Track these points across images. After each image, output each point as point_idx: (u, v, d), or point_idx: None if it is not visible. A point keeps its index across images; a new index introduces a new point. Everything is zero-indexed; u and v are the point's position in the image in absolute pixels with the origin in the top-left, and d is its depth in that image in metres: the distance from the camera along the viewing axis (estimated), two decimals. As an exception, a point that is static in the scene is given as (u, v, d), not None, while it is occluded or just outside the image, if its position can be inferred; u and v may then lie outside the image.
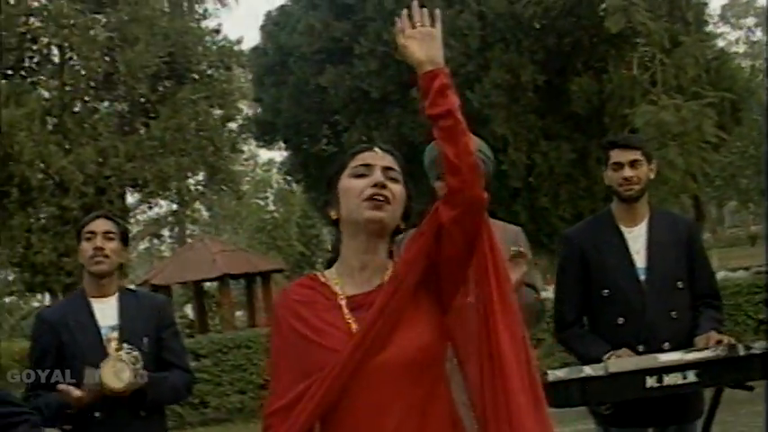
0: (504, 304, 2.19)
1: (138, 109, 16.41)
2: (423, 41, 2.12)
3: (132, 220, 30.71)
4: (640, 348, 3.56)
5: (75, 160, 14.72)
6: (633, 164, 3.70)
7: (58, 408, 3.53)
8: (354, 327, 2.16)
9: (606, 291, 3.72)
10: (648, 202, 3.89)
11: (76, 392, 3.45)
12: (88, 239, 3.70)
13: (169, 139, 15.53)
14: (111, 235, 3.73)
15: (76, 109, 16.15)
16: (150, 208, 20.07)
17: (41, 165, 14.56)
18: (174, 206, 18.77)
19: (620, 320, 3.67)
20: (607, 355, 3.50)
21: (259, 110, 21.03)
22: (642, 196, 3.79)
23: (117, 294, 3.80)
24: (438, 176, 3.79)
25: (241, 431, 11.54)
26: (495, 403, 2.16)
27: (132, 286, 4.28)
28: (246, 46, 19.54)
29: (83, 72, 15.99)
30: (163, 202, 21.95)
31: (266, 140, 21.58)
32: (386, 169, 2.23)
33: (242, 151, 19.80)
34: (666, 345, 3.57)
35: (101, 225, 3.74)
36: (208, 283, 20.22)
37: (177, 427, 13.65)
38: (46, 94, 15.94)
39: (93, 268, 3.71)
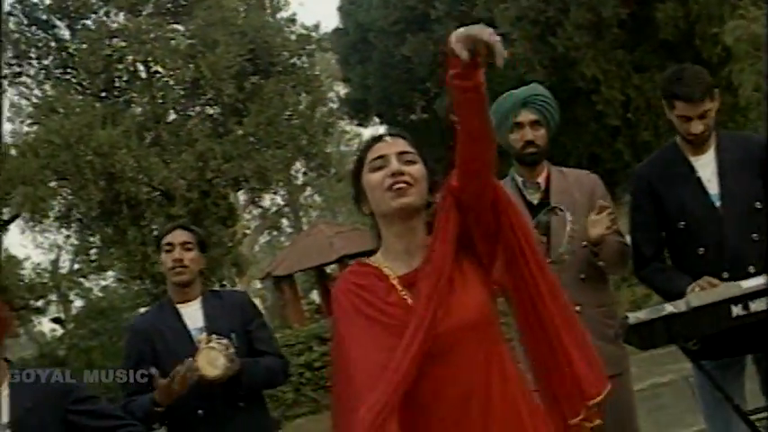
0: (543, 272, 2.30)
1: (228, 109, 16.72)
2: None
3: (248, 216, 31.60)
4: (725, 276, 3.44)
5: (176, 169, 15.16)
6: (703, 116, 3.56)
7: (148, 407, 3.68)
8: (411, 302, 2.24)
9: (682, 223, 3.62)
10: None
11: (162, 380, 3.59)
12: (168, 251, 3.90)
13: (262, 133, 15.84)
14: (188, 245, 3.92)
15: (170, 119, 16.60)
16: (255, 203, 20.37)
17: (145, 178, 15.02)
18: (278, 198, 19.11)
19: (701, 251, 3.56)
20: (690, 287, 3.40)
21: (349, 89, 21.22)
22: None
23: (200, 298, 3.96)
24: (510, 130, 3.80)
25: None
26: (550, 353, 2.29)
27: (217, 287, 4.41)
28: (325, 29, 19.74)
29: (170, 82, 16.43)
30: (276, 195, 22.44)
31: (361, 118, 21.76)
32: (400, 154, 2.30)
33: (330, 133, 19.89)
34: (752, 268, 3.44)
35: (178, 236, 3.93)
36: (329, 267, 20.59)
37: (313, 411, 14.03)
38: (139, 110, 16.42)
39: (175, 279, 3.90)
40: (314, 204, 39.78)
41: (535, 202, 3.81)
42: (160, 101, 16.28)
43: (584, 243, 3.69)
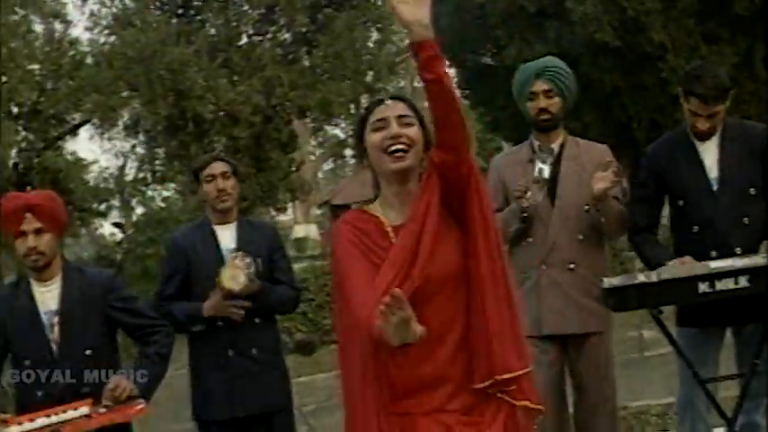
0: (488, 238, 2.56)
1: (299, 39, 16.93)
2: (414, 5, 2.35)
3: (314, 142, 31.91)
4: (713, 254, 3.76)
5: (243, 92, 15.49)
6: (712, 116, 3.88)
7: (194, 313, 4.18)
8: None
9: (681, 201, 3.96)
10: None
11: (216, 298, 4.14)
12: (209, 181, 4.32)
13: (329, 66, 16.06)
14: (227, 174, 4.34)
15: (241, 43, 16.88)
16: (316, 133, 20.63)
17: (212, 98, 15.35)
18: (338, 131, 19.36)
19: (695, 228, 3.89)
20: (672, 262, 3.75)
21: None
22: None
23: (236, 223, 4.38)
24: (528, 98, 4.18)
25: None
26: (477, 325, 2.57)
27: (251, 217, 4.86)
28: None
29: (245, 7, 16.71)
30: (337, 128, 22.65)
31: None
32: (399, 117, 2.60)
33: (396, 72, 19.96)
34: (738, 250, 3.76)
35: (218, 167, 4.35)
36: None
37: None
38: (212, 31, 16.68)
39: (220, 206, 4.32)
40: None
41: (547, 163, 4.18)
42: (234, 23, 16.56)
43: (587, 207, 4.06)
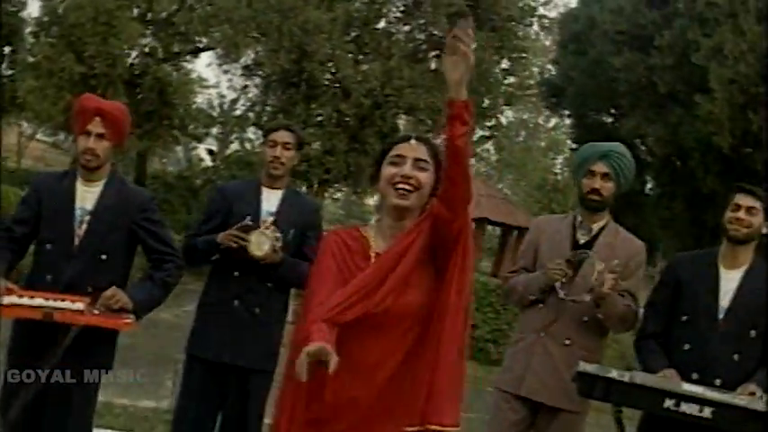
0: (459, 295, 2.72)
1: (432, 41, 17.15)
2: (455, 63, 2.51)
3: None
4: (694, 376, 3.85)
5: (363, 73, 15.79)
6: (750, 210, 3.98)
7: (212, 241, 4.40)
8: None
9: (685, 317, 4.04)
10: (758, 250, 4.13)
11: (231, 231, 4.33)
12: (271, 146, 4.54)
13: (451, 77, 16.18)
14: (288, 145, 4.55)
15: (378, 27, 17.15)
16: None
17: (332, 68, 15.68)
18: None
19: (687, 347, 3.98)
20: (661, 373, 3.86)
21: (553, 73, 21.35)
22: (750, 241, 4.06)
23: (284, 190, 4.60)
24: (583, 175, 4.31)
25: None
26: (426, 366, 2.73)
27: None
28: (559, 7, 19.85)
29: (394, -6, 17.04)
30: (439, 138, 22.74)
31: (553, 103, 21.88)
32: (417, 160, 2.78)
33: (512, 104, 20.00)
34: (718, 381, 3.84)
35: (282, 136, 4.58)
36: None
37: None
38: (356, 5, 16.99)
39: (273, 171, 4.54)
40: (487, 159, 39.73)
41: (581, 241, 4.29)
42: (377, 6, 16.85)
43: (587, 297, 4.16)
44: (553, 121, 37.31)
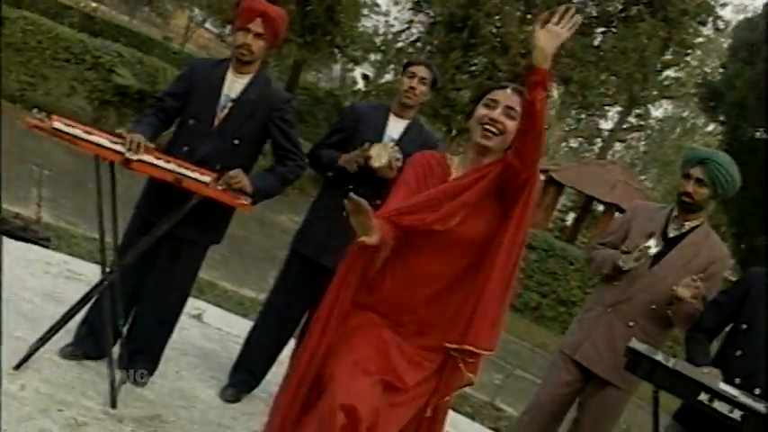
0: (515, 236, 3.04)
1: (602, 17, 17.03)
2: (551, 37, 2.81)
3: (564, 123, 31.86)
4: (736, 381, 4.05)
5: (526, 32, 15.86)
6: None
7: (334, 158, 4.82)
8: None
9: (745, 326, 4.22)
10: None
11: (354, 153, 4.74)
12: (409, 77, 4.89)
13: (611, 56, 16.12)
14: (424, 80, 4.90)
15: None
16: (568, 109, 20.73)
17: (497, 23, 15.81)
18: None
19: (738, 353, 4.16)
20: (706, 369, 4.08)
21: (717, 77, 20.86)
22: None
23: (410, 121, 4.95)
24: (682, 175, 4.51)
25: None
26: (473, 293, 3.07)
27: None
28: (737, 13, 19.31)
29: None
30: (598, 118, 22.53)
31: (710, 107, 21.42)
32: (507, 108, 3.11)
33: (663, 95, 19.66)
34: (757, 390, 4.03)
35: (419, 70, 4.95)
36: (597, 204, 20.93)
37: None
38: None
39: (403, 100, 4.89)
40: (626, 152, 39.08)
41: (670, 235, 4.51)
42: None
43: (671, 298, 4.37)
44: (712, 126, 36.36)
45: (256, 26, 4.40)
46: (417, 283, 3.13)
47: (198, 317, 6.33)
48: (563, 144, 40.99)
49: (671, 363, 3.90)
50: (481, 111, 3.15)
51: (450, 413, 3.43)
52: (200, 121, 4.44)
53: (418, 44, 19.99)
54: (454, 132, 17.72)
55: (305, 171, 4.67)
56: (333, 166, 4.82)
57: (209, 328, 6.19)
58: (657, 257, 4.50)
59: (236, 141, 4.43)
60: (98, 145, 4.07)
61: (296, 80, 22.05)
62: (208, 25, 31.36)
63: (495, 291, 3.04)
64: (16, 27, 14.69)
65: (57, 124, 4.07)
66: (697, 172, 4.42)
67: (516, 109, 3.10)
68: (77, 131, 4.10)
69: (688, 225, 4.54)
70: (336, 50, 20.43)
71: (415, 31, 19.72)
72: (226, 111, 4.44)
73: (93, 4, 35.15)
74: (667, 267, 4.48)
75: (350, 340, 3.11)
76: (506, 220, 3.05)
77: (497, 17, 15.76)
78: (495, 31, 16.03)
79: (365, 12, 24.64)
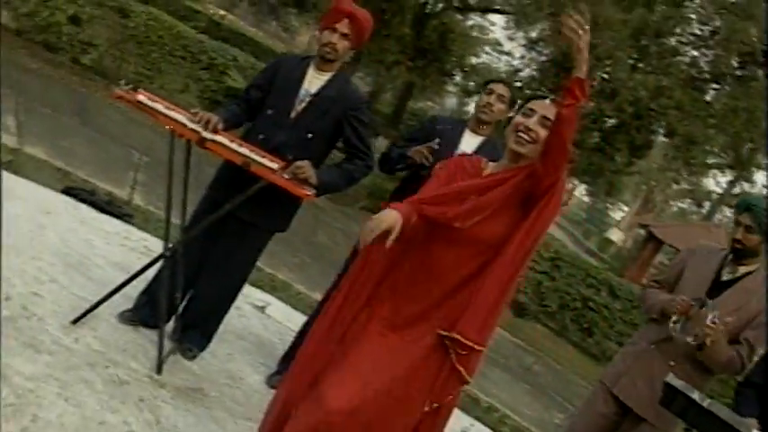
0: (525, 240, 3.10)
1: (714, 75, 16.70)
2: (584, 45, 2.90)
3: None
4: None
5: (636, 80, 15.65)
6: None
7: (402, 153, 4.92)
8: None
9: None
10: None
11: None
12: (488, 94, 4.96)
13: (720, 113, 15.72)
14: (503, 98, 4.94)
15: (665, 42, 16.86)
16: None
17: (607, 66, 15.64)
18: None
19: None
20: (747, 421, 4.02)
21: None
22: None
23: (483, 139, 5.00)
24: (735, 222, 4.45)
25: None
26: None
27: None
28: None
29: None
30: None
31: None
32: (544, 118, 3.18)
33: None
34: None
35: (499, 88, 4.99)
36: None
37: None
38: (653, 17, 16.79)
39: (481, 116, 4.94)
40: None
41: (723, 278, 4.47)
42: (672, 23, 16.54)
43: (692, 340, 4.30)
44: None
45: (343, 27, 4.55)
46: (430, 277, 3.21)
47: (262, 308, 6.49)
48: (671, 203, 40.23)
49: (706, 403, 3.85)
50: (518, 119, 3.23)
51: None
52: (278, 111, 4.61)
53: (533, 85, 19.98)
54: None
55: (371, 171, 4.77)
56: (403, 159, 4.91)
57: (271, 321, 6.34)
58: (708, 297, 4.44)
59: (310, 135, 4.58)
60: (176, 121, 4.26)
61: (405, 103, 22.31)
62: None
63: (492, 286, 3.10)
64: (140, 20, 15.30)
65: (141, 97, 4.29)
66: (746, 219, 4.36)
67: (552, 119, 3.15)
68: (159, 106, 4.30)
69: (742, 270, 4.47)
70: (446, 79, 20.61)
71: (529, 70, 19.73)
72: (303, 105, 4.59)
73: (222, 12, 36.16)
74: (701, 320, 4.37)
75: (353, 346, 3.20)
76: (521, 222, 3.11)
77: (608, 62, 15.67)
78: (604, 76, 15.94)
79: (487, 48, 24.71)
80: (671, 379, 4.00)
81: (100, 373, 4.09)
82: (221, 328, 5.06)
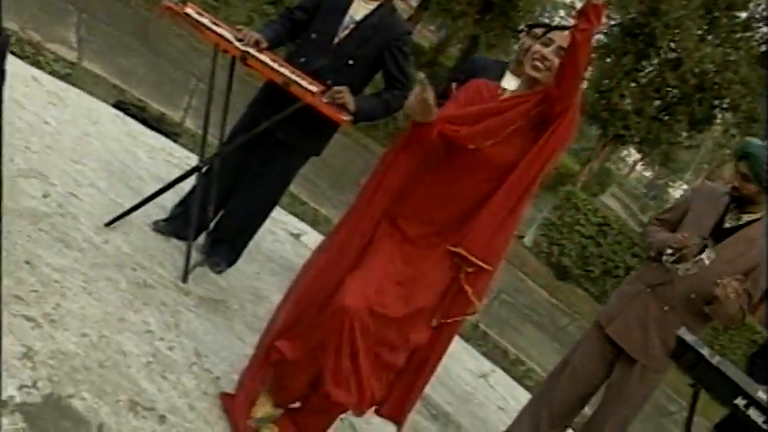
0: (533, 163, 3.16)
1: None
2: None
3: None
4: None
5: (703, 52, 15.40)
6: None
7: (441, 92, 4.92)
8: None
9: None
10: None
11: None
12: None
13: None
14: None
15: (738, 15, 16.52)
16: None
17: (675, 35, 15.41)
18: None
19: None
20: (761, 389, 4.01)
21: None
22: None
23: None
24: (735, 170, 4.38)
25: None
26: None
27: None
28: None
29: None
30: None
31: None
32: (560, 48, 3.22)
33: None
34: None
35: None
36: None
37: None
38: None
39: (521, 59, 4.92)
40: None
41: (726, 225, 4.38)
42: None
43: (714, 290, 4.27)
44: None
45: None
46: (447, 199, 3.28)
47: (297, 236, 6.60)
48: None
49: (715, 360, 3.85)
50: (536, 46, 3.31)
51: None
52: (321, 36, 4.65)
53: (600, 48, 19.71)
54: (609, 137, 17.47)
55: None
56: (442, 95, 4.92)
57: (304, 248, 6.43)
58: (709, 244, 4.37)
59: (351, 61, 4.61)
60: (221, 36, 4.33)
61: (467, 56, 22.15)
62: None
63: (498, 206, 3.17)
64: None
65: (188, 10, 4.37)
66: (743, 166, 4.22)
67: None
68: (205, 21, 4.38)
69: (746, 218, 4.33)
70: (512, 34, 20.39)
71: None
72: (347, 31, 4.62)
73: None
74: (716, 261, 4.29)
75: (369, 254, 3.31)
76: (531, 145, 3.16)
77: (676, 30, 15.37)
78: (671, 44, 15.67)
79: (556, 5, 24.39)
80: (683, 333, 3.99)
81: (126, 275, 4.21)
82: (252, 247, 5.17)
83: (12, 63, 4.44)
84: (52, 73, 7.04)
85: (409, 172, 3.30)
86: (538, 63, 3.24)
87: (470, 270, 3.21)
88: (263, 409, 3.54)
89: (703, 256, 4.24)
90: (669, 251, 4.30)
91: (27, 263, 3.73)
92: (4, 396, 2.88)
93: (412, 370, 3.41)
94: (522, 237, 17.39)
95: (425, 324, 3.29)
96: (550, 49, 3.24)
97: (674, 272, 4.33)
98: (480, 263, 3.19)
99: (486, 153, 3.19)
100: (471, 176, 3.24)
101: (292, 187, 6.82)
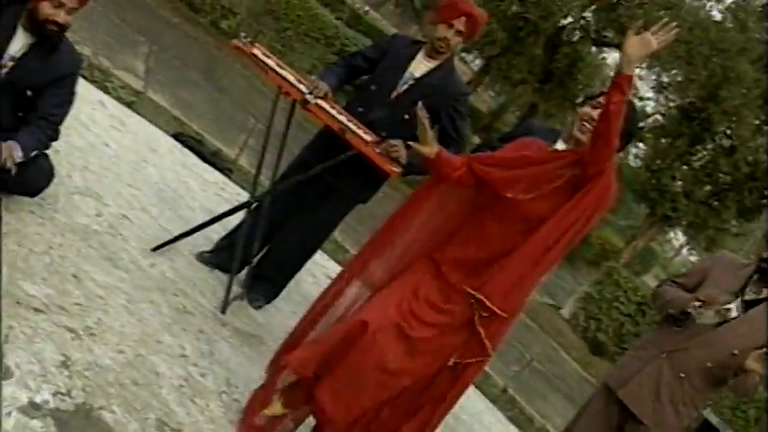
0: (562, 222, 3.25)
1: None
2: (640, 46, 3.03)
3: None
4: None
5: (757, 143, 15.31)
6: None
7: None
8: None
9: None
10: None
11: None
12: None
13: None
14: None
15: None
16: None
17: (731, 121, 15.35)
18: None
19: None
20: None
21: None
22: None
23: None
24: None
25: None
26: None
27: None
28: None
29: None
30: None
31: None
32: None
33: None
34: None
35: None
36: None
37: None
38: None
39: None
40: None
41: (746, 297, 4.28)
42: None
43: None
44: None
45: (459, 24, 4.67)
46: (479, 244, 3.39)
47: (335, 282, 6.67)
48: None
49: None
50: (584, 109, 3.43)
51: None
52: (380, 88, 4.78)
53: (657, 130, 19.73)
54: (657, 217, 17.39)
55: None
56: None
57: (341, 295, 6.51)
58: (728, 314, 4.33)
59: (407, 116, 4.71)
60: (285, 80, 4.48)
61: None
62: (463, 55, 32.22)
63: (524, 256, 3.27)
64: (281, -2, 15.78)
65: (256, 51, 4.53)
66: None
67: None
68: (271, 63, 4.53)
69: (766, 292, 4.28)
70: (568, 103, 20.50)
71: (650, 109, 19.47)
72: (405, 87, 4.75)
73: (366, 8, 36.64)
74: (734, 330, 4.23)
75: (395, 280, 3.48)
76: (565, 202, 3.26)
77: (733, 118, 15.37)
78: (727, 131, 15.67)
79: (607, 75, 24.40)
80: (708, 415, 4.03)
81: (168, 299, 4.33)
82: (292, 287, 5.27)
83: (81, 86, 4.62)
84: (118, 99, 7.25)
85: (443, 209, 3.46)
86: (585, 124, 3.35)
87: (485, 315, 3.29)
88: (273, 408, 3.63)
89: (732, 306, 4.23)
90: (696, 304, 4.28)
91: (74, 276, 3.86)
92: (39, 400, 2.99)
93: (428, 407, 3.48)
94: (560, 308, 17.31)
95: (438, 357, 3.37)
96: (599, 111, 3.31)
97: (693, 333, 4.30)
98: (496, 309, 3.28)
99: (523, 207, 3.30)
100: (506, 227, 3.35)
101: (336, 233, 6.93)
